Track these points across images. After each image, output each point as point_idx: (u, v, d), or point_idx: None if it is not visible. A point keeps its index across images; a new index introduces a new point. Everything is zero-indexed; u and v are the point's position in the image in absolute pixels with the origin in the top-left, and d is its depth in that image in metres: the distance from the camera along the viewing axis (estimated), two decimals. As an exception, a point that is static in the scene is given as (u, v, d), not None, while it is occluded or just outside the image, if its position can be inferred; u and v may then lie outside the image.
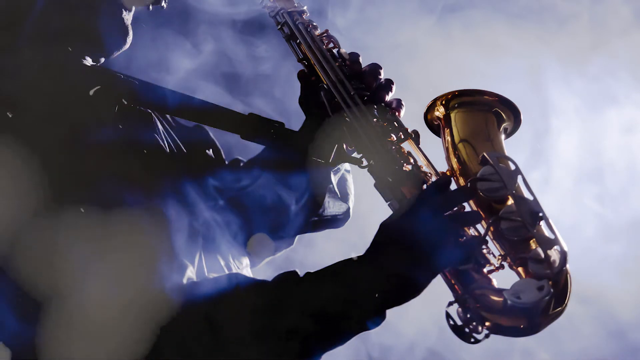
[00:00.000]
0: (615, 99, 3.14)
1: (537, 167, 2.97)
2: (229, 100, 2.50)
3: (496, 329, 1.44)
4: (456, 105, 1.64)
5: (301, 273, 1.57)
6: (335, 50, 1.83)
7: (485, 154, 1.50)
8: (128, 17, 1.86)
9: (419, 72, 2.73)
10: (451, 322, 1.46)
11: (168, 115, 1.98)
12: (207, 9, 2.15)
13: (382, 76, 1.78)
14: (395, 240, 1.50)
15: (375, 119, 1.69)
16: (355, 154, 1.81)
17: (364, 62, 1.81)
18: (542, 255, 1.42)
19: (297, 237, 2.03)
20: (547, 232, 1.44)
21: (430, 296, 1.51)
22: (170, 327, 1.50)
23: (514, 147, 1.63)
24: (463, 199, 1.52)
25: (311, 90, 1.84)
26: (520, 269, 1.48)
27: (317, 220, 1.99)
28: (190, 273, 1.63)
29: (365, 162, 1.69)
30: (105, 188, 1.60)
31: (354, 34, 2.56)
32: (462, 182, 1.57)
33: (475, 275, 1.48)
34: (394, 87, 1.78)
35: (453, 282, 1.49)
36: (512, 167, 1.50)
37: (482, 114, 1.63)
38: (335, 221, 2.03)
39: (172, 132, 1.93)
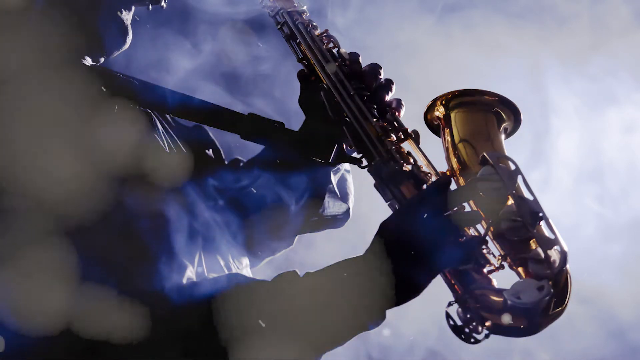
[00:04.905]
0: (615, 99, 3.14)
1: (537, 167, 2.97)
2: (229, 100, 2.50)
3: (496, 329, 1.44)
4: (456, 105, 1.64)
5: (301, 273, 1.57)
6: (335, 50, 1.83)
7: (485, 154, 1.50)
8: (128, 17, 1.86)
9: (419, 72, 2.73)
10: (451, 322, 1.46)
11: (168, 115, 1.98)
12: (207, 9, 2.14)
13: (382, 76, 1.78)
14: (395, 240, 1.50)
15: (375, 119, 1.69)
16: (355, 154, 1.81)
17: (364, 62, 1.81)
18: (542, 255, 1.42)
19: (297, 237, 2.03)
20: (547, 232, 1.44)
21: (430, 296, 1.51)
22: (169, 326, 1.50)
23: (514, 147, 1.62)
24: (463, 199, 1.52)
25: (311, 90, 1.84)
26: (520, 269, 1.48)
27: (317, 220, 1.99)
28: (190, 273, 1.62)
29: (365, 162, 1.69)
30: (105, 188, 1.60)
31: (354, 34, 2.57)
32: (462, 182, 1.57)
33: (475, 275, 1.48)
34: (394, 87, 1.78)
35: (453, 282, 1.49)
36: (512, 167, 1.49)
37: (482, 114, 1.62)
38: (335, 221, 2.03)
39: (172, 132, 1.93)
